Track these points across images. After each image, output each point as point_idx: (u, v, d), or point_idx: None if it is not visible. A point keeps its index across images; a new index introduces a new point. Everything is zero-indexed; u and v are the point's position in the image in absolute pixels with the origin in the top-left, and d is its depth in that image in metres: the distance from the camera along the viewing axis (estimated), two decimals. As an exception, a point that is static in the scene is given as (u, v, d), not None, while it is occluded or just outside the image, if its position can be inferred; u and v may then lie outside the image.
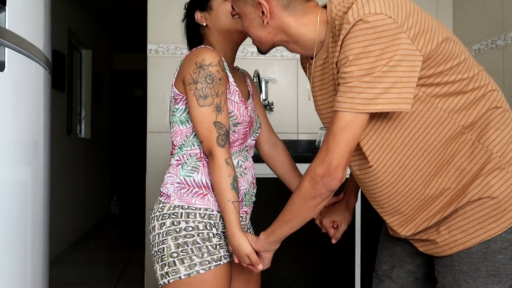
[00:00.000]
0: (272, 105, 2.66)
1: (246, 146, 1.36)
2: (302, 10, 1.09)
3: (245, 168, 1.34)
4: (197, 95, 1.21)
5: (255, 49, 2.11)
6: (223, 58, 1.28)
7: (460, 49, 1.01)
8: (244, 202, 1.32)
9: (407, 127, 1.03)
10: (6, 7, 1.02)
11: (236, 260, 1.25)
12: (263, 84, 2.63)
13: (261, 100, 2.65)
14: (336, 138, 0.99)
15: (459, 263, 1.06)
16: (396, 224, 1.14)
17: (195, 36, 1.40)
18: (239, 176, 1.31)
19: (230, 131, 1.27)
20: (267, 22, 1.10)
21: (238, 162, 1.32)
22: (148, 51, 2.61)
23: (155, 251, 1.25)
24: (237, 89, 1.30)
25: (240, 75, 1.45)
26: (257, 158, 2.15)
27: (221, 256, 1.23)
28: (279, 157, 1.50)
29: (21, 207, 1.11)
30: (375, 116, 1.04)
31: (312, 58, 1.16)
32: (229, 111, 1.26)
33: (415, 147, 1.04)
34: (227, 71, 1.29)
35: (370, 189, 1.14)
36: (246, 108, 1.31)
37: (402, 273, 1.25)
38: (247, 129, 1.33)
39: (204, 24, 1.34)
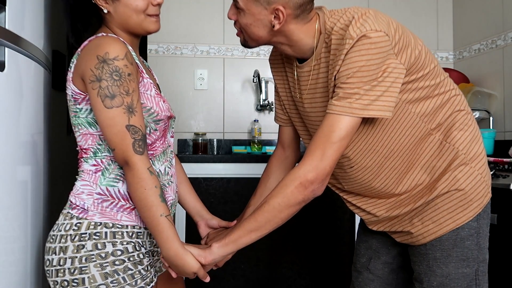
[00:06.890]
0: (272, 105, 2.66)
1: (168, 147, 1.21)
2: (306, 19, 1.13)
3: (171, 176, 1.19)
4: (102, 94, 1.01)
5: (255, 49, 2.10)
6: (130, 48, 1.10)
7: (429, 59, 1.13)
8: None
9: (386, 131, 1.13)
10: (6, 7, 1.02)
11: (174, 275, 1.10)
12: (263, 84, 2.63)
13: (261, 100, 2.65)
14: (334, 147, 1.03)
15: (432, 251, 1.15)
16: (373, 207, 1.23)
17: (92, 13, 1.15)
18: (166, 185, 1.16)
19: (152, 130, 1.12)
20: (277, 28, 1.10)
21: (165, 168, 1.16)
22: (148, 51, 2.61)
23: (66, 280, 1.03)
24: (151, 81, 1.14)
25: (145, 66, 1.27)
26: (262, 158, 2.14)
27: (152, 276, 1.10)
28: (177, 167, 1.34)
29: (21, 207, 1.11)
30: (364, 123, 1.11)
31: (300, 62, 1.20)
32: (148, 107, 1.09)
33: (392, 149, 1.15)
34: (137, 62, 1.11)
35: (349, 183, 1.22)
36: (164, 101, 1.15)
37: (379, 264, 1.32)
38: (167, 124, 1.18)
39: (106, 11, 1.12)
